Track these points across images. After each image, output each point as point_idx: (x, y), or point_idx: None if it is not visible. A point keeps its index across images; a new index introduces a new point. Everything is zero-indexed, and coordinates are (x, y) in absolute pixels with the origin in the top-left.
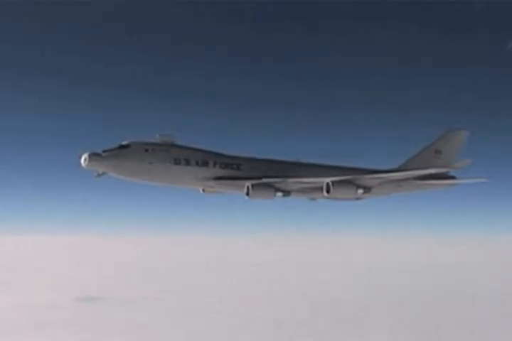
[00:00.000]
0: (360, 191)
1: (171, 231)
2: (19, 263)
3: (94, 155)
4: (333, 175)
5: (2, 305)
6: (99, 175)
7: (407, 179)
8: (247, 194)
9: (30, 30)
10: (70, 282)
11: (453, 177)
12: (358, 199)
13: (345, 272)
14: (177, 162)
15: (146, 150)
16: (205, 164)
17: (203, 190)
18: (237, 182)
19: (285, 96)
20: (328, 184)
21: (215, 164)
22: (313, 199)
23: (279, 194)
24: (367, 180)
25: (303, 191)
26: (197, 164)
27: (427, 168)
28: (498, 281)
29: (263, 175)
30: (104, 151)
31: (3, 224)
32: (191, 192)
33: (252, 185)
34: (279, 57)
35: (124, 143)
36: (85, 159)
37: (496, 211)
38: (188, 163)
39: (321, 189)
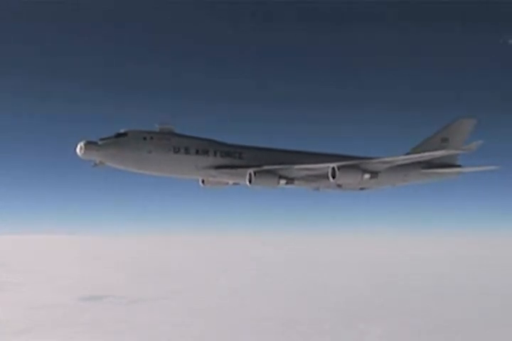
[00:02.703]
0: (367, 176)
1: (173, 228)
2: (24, 264)
3: (90, 144)
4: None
5: (10, 305)
6: (96, 165)
7: (413, 168)
8: (250, 181)
9: (24, 30)
10: (75, 282)
11: (460, 166)
12: (362, 189)
13: (348, 270)
14: (176, 150)
15: (145, 138)
16: (206, 153)
17: (203, 182)
18: (238, 170)
19: (285, 92)
20: (333, 168)
21: (215, 153)
22: (317, 189)
23: (283, 181)
24: (373, 164)
25: (306, 179)
26: (197, 153)
27: (438, 149)
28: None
29: (265, 163)
30: (100, 139)
31: (6, 224)
32: (192, 187)
33: (255, 172)
34: (280, 55)
35: (121, 131)
36: (81, 148)
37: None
38: (187, 151)
39: (326, 176)
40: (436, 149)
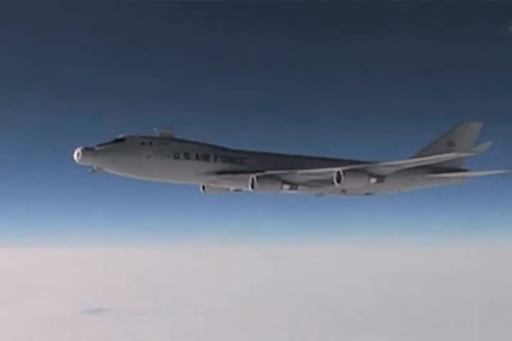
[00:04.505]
0: (373, 180)
1: (173, 237)
2: (25, 277)
3: (87, 150)
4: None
5: (12, 319)
6: (94, 171)
7: (419, 172)
8: (252, 187)
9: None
10: (77, 295)
11: (467, 171)
12: (367, 194)
13: (351, 281)
14: (176, 156)
15: (143, 143)
16: (206, 158)
17: (204, 188)
18: (240, 176)
19: (287, 98)
20: (339, 173)
21: (216, 158)
22: (321, 194)
23: (286, 187)
24: (380, 168)
25: (310, 184)
26: (197, 158)
27: (445, 152)
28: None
29: (267, 169)
30: (98, 145)
31: (7, 236)
32: (192, 193)
33: (258, 177)
34: (277, 58)
35: (119, 136)
36: (78, 154)
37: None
38: (187, 156)
39: (330, 181)
40: (442, 153)
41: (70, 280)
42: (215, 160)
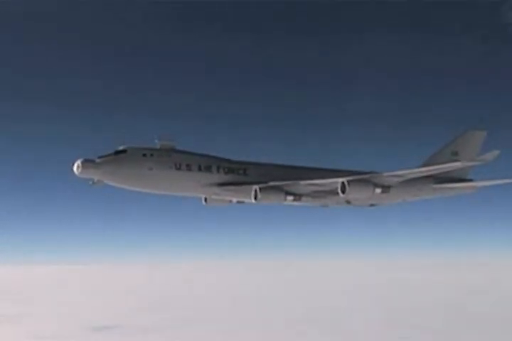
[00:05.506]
0: (378, 190)
1: (174, 251)
2: (29, 294)
3: (88, 162)
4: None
5: (17, 337)
6: (94, 184)
7: (425, 182)
8: (255, 198)
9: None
10: (82, 311)
11: (472, 180)
12: (372, 205)
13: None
14: (178, 167)
15: (144, 155)
16: (209, 169)
17: (206, 201)
18: (243, 187)
19: (288, 109)
20: (343, 183)
21: (218, 169)
22: (325, 205)
23: (290, 198)
24: (385, 178)
25: (314, 195)
26: (199, 169)
27: (450, 162)
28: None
29: (270, 180)
30: (99, 157)
31: (10, 254)
32: (194, 205)
33: (261, 189)
34: (275, 64)
35: (120, 148)
36: (78, 166)
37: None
38: (189, 168)
39: (335, 192)
40: (446, 163)
41: (75, 298)
42: (218, 171)
